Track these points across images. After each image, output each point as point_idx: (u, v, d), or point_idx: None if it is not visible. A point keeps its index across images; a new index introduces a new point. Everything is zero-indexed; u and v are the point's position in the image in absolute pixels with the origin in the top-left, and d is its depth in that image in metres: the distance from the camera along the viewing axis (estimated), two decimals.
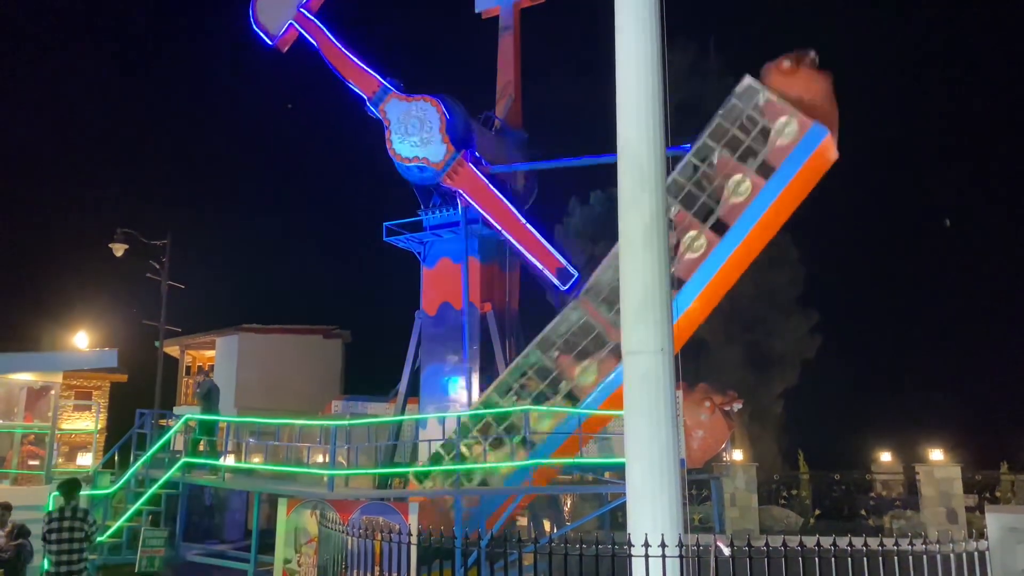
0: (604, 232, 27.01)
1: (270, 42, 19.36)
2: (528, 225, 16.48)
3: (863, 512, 17.53)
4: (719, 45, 28.38)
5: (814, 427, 31.75)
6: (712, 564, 7.00)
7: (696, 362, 24.55)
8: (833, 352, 29.17)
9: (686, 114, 26.89)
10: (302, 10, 18.68)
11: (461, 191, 16.82)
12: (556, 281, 15.83)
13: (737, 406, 15.24)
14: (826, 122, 13.98)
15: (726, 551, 7.33)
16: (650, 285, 8.24)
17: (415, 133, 17.01)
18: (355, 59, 18.03)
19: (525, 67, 20.48)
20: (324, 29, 18.50)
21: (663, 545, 7.01)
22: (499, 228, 16.74)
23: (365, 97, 17.71)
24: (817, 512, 17.81)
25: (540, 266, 16.20)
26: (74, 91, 58.09)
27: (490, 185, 16.68)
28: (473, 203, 16.77)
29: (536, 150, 19.84)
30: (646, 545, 7.05)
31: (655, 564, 6.92)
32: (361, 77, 17.84)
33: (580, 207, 28.49)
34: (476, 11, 20.96)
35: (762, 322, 26.54)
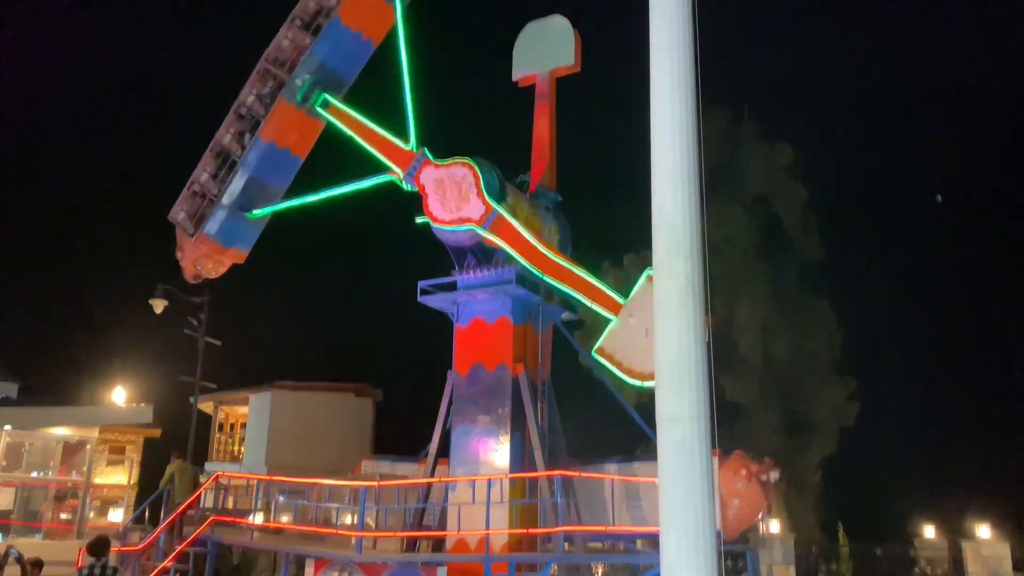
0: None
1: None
2: (574, 268, 16.45)
3: None
4: (752, 111, 28.60)
5: (854, 498, 30.79)
6: None
7: (732, 428, 24.12)
8: (873, 420, 28.47)
9: (719, 178, 27.06)
10: (331, 99, 19.15)
11: (503, 244, 16.94)
12: (612, 316, 15.78)
13: (774, 475, 14.85)
14: None
15: None
16: (685, 349, 8.18)
17: (452, 198, 17.27)
18: (389, 136, 18.41)
19: (560, 132, 20.81)
20: (354, 114, 18.93)
21: None
22: (546, 277, 16.78)
23: (400, 173, 18.04)
24: None
25: (593, 305, 16.18)
26: (116, 149, 60.18)
27: (529, 236, 16.80)
28: (515, 255, 16.86)
29: (570, 212, 20.02)
30: None
31: None
32: (395, 152, 18.22)
33: (613, 270, 28.51)
34: (513, 79, 21.44)
35: (799, 387, 26.07)
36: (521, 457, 16.72)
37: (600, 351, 15.72)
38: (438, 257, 18.84)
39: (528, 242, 16.73)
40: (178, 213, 19.40)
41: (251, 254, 20.26)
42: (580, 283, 16.31)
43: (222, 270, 20.22)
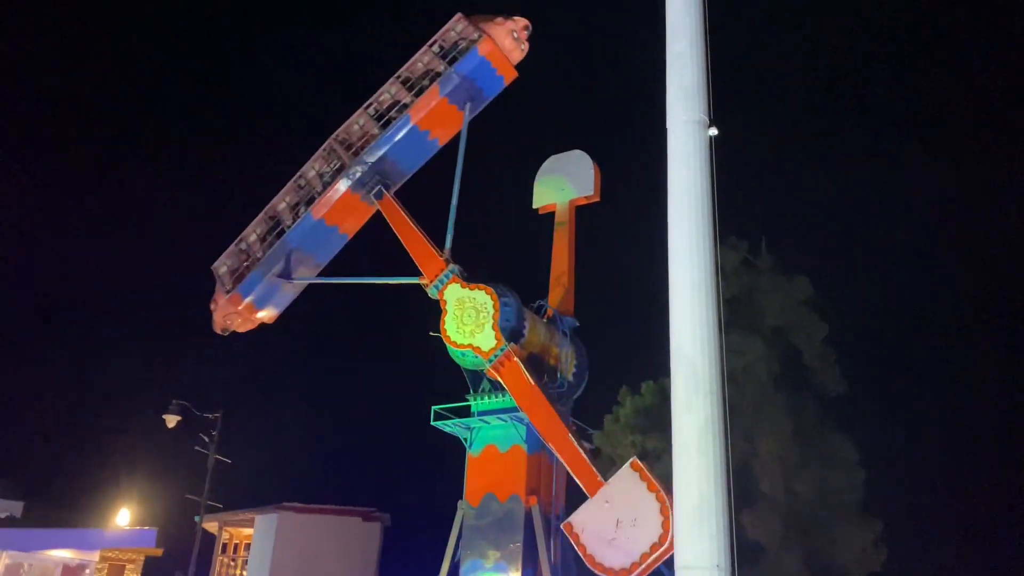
0: (656, 424, 26.46)
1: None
2: (571, 437, 16.13)
3: None
4: (770, 243, 28.93)
5: None
6: None
7: (753, 570, 23.01)
8: (901, 566, 27.11)
9: (737, 308, 27.04)
10: (386, 190, 19.65)
11: (504, 384, 16.83)
12: (588, 495, 15.33)
13: None
14: None
15: None
16: (706, 494, 7.93)
17: (469, 322, 17.36)
18: (429, 241, 18.75)
19: (578, 257, 21.13)
20: (403, 209, 19.43)
21: None
22: (535, 428, 16.53)
23: (429, 283, 18.27)
24: None
25: (575, 478, 15.76)
26: (130, 263, 61.49)
27: (535, 384, 16.62)
28: (515, 399, 16.70)
29: (587, 337, 20.02)
30: None
31: None
32: (429, 259, 18.49)
33: (631, 397, 28.13)
34: (533, 207, 22.01)
35: (823, 528, 25.01)
36: None
37: (567, 526, 15.31)
38: (454, 375, 18.76)
39: (530, 388, 16.54)
40: (221, 266, 20.00)
41: (264, 373, 20.36)
42: (568, 449, 16.00)
43: (250, 327, 20.50)
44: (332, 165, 19.93)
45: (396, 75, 19.97)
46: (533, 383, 16.55)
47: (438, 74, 19.50)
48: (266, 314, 20.27)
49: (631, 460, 15.14)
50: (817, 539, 24.80)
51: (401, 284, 19.07)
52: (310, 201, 19.70)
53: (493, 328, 16.98)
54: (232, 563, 31.02)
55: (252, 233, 20.04)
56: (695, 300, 8.63)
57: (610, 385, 28.35)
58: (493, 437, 17.52)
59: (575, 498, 18.33)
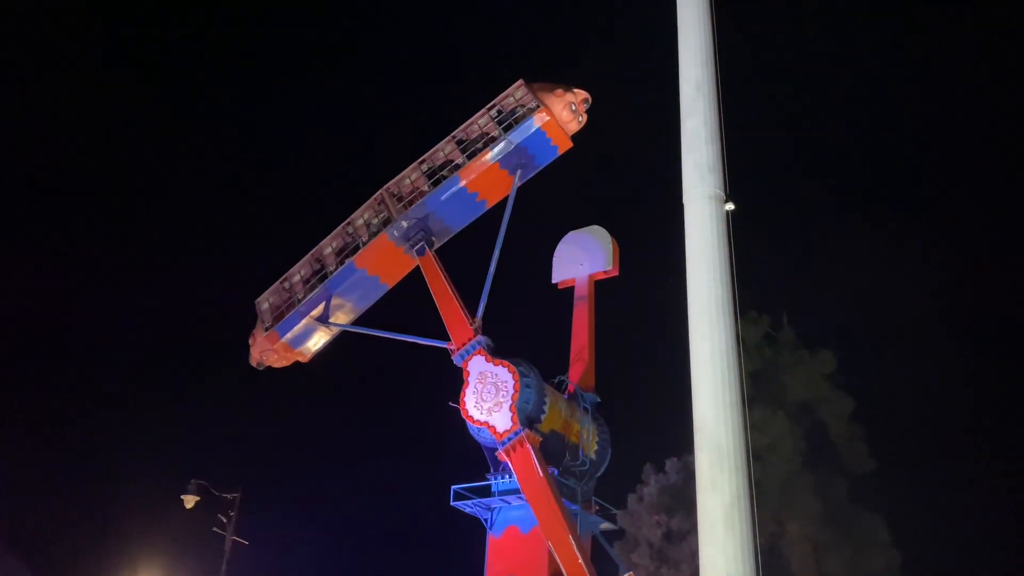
0: (681, 503, 25.81)
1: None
2: (571, 538, 15.68)
3: None
4: (792, 318, 28.74)
5: None
6: None
7: None
8: None
9: (760, 384, 26.68)
10: (428, 248, 19.87)
11: (513, 469, 16.58)
12: None
13: None
14: None
15: None
16: (735, 575, 7.68)
17: (489, 399, 17.25)
18: (462, 307, 18.80)
19: (599, 333, 21.06)
20: (442, 270, 19.52)
21: None
22: (535, 518, 16.21)
23: (454, 349, 18.30)
24: None
25: None
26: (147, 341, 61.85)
27: (543, 476, 16.29)
28: (521, 486, 16.47)
29: (609, 414, 19.79)
30: None
31: None
32: (460, 325, 18.53)
33: (655, 475, 27.57)
34: (552, 282, 22.10)
35: None
36: None
37: None
38: (472, 453, 18.51)
39: (537, 479, 16.24)
40: (264, 301, 20.30)
41: (282, 451, 20.25)
42: (566, 551, 15.59)
43: (285, 364, 20.60)
44: (380, 216, 20.18)
45: (452, 135, 20.28)
46: (542, 475, 16.23)
47: (493, 139, 19.72)
48: (300, 353, 20.48)
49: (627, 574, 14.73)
50: None
51: (429, 346, 19.10)
52: (355, 249, 19.97)
53: (511, 409, 16.87)
54: None
55: (297, 274, 20.39)
56: (717, 375, 8.56)
57: (633, 462, 27.83)
58: (515, 518, 17.18)
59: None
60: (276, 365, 20.76)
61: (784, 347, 27.81)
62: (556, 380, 19.34)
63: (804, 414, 26.29)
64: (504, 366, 17.60)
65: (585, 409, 19.09)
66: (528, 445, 16.48)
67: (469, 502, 17.55)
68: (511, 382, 17.22)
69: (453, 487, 17.76)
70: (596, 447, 18.99)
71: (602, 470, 19.05)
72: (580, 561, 15.29)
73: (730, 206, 8.93)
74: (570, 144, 20.07)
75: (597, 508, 18.16)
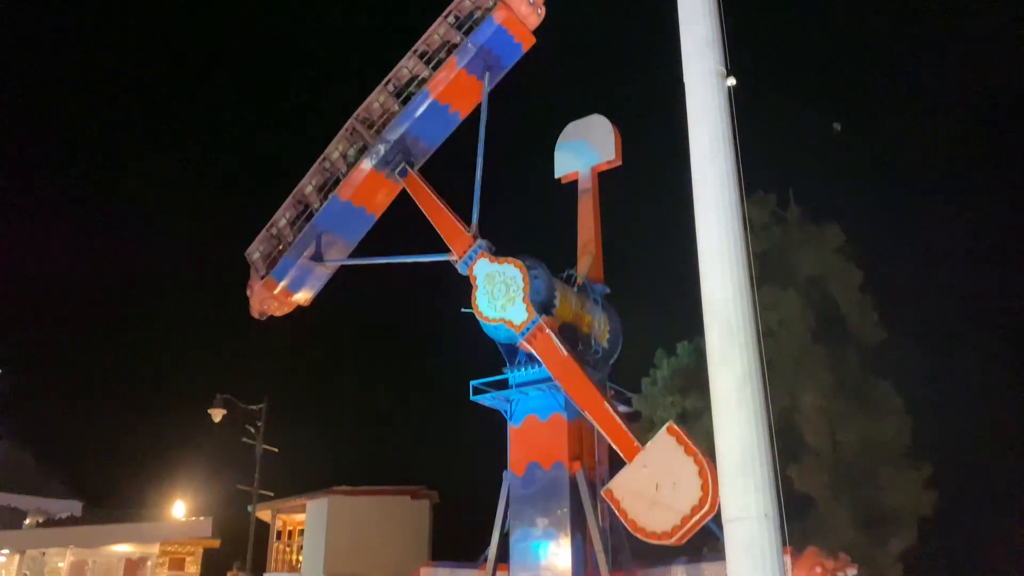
0: (694, 384, 26.38)
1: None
2: (607, 403, 16.15)
3: None
4: (798, 194, 28.52)
5: None
6: None
7: (802, 523, 22.96)
8: (954, 508, 26.86)
9: (769, 263, 26.76)
10: (410, 167, 19.63)
11: (538, 357, 16.89)
12: (626, 460, 15.37)
13: (852, 572, 14.08)
14: None
15: None
16: (748, 446, 7.92)
17: (500, 296, 17.41)
18: (456, 217, 18.78)
19: (605, 224, 21.00)
20: (428, 186, 19.43)
21: None
22: (571, 398, 16.58)
23: (457, 258, 18.33)
24: None
25: (612, 444, 15.80)
26: (172, 259, 62.50)
27: (568, 354, 16.65)
28: (549, 370, 16.76)
29: (619, 303, 19.98)
30: None
31: None
32: (457, 235, 18.52)
33: (667, 358, 28.06)
34: (556, 176, 21.89)
35: (871, 476, 24.84)
36: (583, 560, 16.17)
37: (607, 493, 15.34)
38: (490, 352, 18.86)
39: (563, 359, 16.58)
40: (254, 252, 20.18)
41: (303, 360, 20.65)
42: (604, 417, 15.99)
43: (287, 311, 20.71)
44: (355, 145, 19.94)
45: (413, 49, 19.83)
46: (566, 353, 16.60)
47: (455, 45, 19.34)
48: (301, 297, 20.50)
49: (667, 425, 15.14)
50: (866, 488, 24.65)
51: (431, 261, 19.17)
52: (336, 183, 19.78)
53: (524, 301, 17.05)
54: (288, 549, 31.68)
55: (282, 218, 20.20)
56: (724, 252, 8.57)
57: (646, 348, 28.32)
58: (533, 408, 17.62)
59: (618, 462, 18.43)
60: (278, 313, 20.77)
61: (791, 224, 27.73)
62: (565, 274, 19.42)
63: (814, 289, 26.47)
64: (510, 263, 17.69)
65: (595, 300, 19.27)
66: (547, 330, 16.78)
67: (488, 396, 17.99)
68: (519, 276, 17.35)
69: (472, 382, 18.16)
70: (608, 336, 19.27)
71: (615, 357, 19.40)
72: (617, 420, 15.82)
73: (732, 81, 8.74)
74: (532, 39, 19.66)
75: (612, 393, 18.58)
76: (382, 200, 20.37)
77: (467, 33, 19.22)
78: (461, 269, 18.21)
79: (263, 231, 20.33)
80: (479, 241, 18.15)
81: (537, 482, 16.88)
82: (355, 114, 20.05)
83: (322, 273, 20.35)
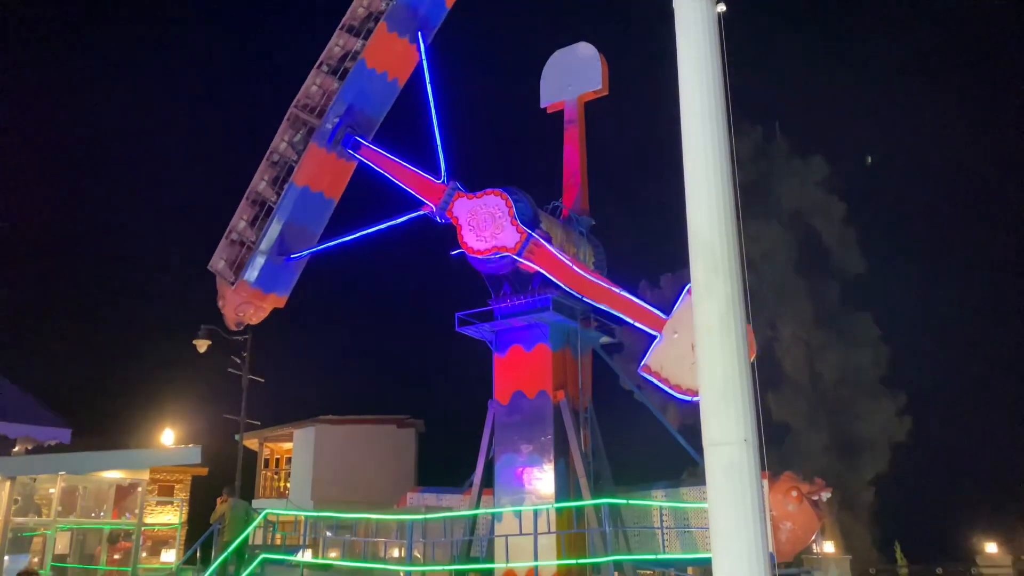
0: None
1: None
2: (613, 287, 16.42)
3: None
4: (784, 127, 28.42)
5: (910, 516, 29.90)
6: None
7: (780, 449, 23.65)
8: (926, 434, 27.71)
9: (754, 195, 26.84)
10: (362, 140, 19.51)
11: (541, 269, 16.99)
12: (657, 334, 15.66)
13: (826, 495, 14.56)
14: None
15: None
16: (730, 374, 8.08)
17: (487, 227, 17.38)
18: (421, 172, 18.68)
19: (591, 156, 20.86)
20: (385, 152, 19.27)
21: None
22: (587, 300, 16.75)
23: (433, 207, 18.25)
24: None
25: (638, 325, 16.09)
26: (160, 191, 61.75)
27: (566, 259, 16.85)
28: (554, 280, 16.93)
29: (604, 235, 20.02)
30: None
31: None
32: (428, 187, 18.44)
33: (650, 290, 28.34)
34: (541, 106, 21.60)
35: (847, 404, 25.53)
36: (567, 484, 16.60)
37: (646, 368, 15.55)
38: (474, 286, 18.96)
39: (565, 265, 16.78)
40: (218, 262, 19.61)
41: (291, 294, 20.54)
42: (621, 302, 16.23)
43: (263, 315, 20.32)
44: (301, 132, 19.66)
45: (340, 25, 19.73)
46: (565, 260, 16.83)
47: (381, 12, 19.37)
48: (274, 298, 19.98)
49: (687, 287, 15.16)
50: (842, 415, 25.38)
51: (408, 220, 18.91)
52: (290, 171, 19.41)
53: (512, 224, 17.10)
54: (275, 477, 32.28)
55: (240, 221, 19.59)
56: (711, 184, 8.57)
57: (630, 280, 28.56)
58: (518, 339, 17.78)
59: (600, 390, 18.81)
60: (255, 320, 20.28)
61: (778, 157, 27.73)
62: (550, 206, 19.36)
63: (797, 222, 26.68)
64: (489, 195, 17.67)
65: (580, 232, 19.28)
66: (542, 242, 16.91)
67: (473, 327, 18.12)
68: (502, 203, 17.36)
69: (457, 314, 18.25)
70: (592, 267, 19.34)
71: None
72: (635, 301, 16.10)
73: (721, 7, 8.61)
74: None
75: (596, 324, 18.77)
76: (338, 182, 20.12)
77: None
78: (440, 217, 18.13)
79: (223, 239, 19.68)
80: (451, 184, 18.13)
81: (522, 410, 17.18)
82: (295, 101, 19.80)
83: (292, 269, 19.90)
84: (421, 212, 18.53)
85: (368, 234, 19.45)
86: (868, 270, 27.26)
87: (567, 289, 16.86)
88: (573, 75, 21.25)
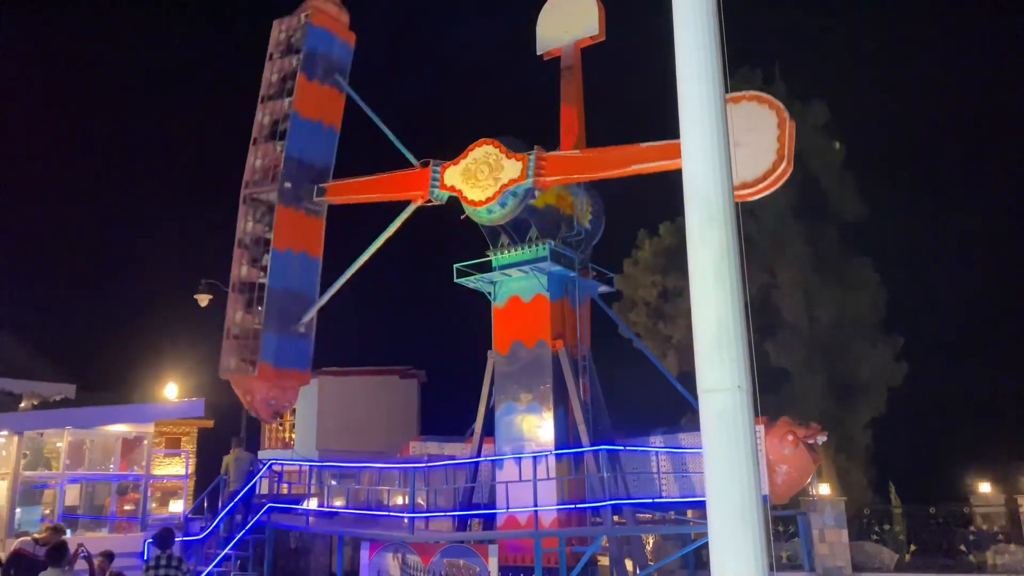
0: (674, 264, 26.75)
1: None
2: (630, 146, 16.07)
3: (962, 548, 16.61)
4: (785, 70, 28.00)
5: (906, 458, 30.36)
6: None
7: (777, 394, 23.88)
8: (922, 378, 27.98)
9: None
10: (323, 186, 19.86)
11: (560, 176, 16.96)
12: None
13: (821, 439, 14.78)
14: None
15: None
16: (724, 320, 8.13)
17: (485, 175, 17.31)
18: (397, 173, 18.76)
19: (588, 103, 20.61)
20: (349, 180, 19.60)
21: None
22: (614, 174, 16.58)
23: (426, 194, 18.12)
24: (913, 548, 16.95)
25: (675, 162, 16.09)
26: (161, 146, 61.26)
27: (575, 152, 17.20)
28: (580, 173, 17.14)
29: (601, 183, 19.91)
30: None
31: None
32: (409, 180, 18.45)
33: (649, 238, 28.31)
34: (538, 53, 21.29)
35: (845, 349, 25.69)
36: (566, 432, 16.84)
37: None
38: (473, 238, 18.93)
39: (576, 157, 16.97)
40: (229, 363, 18.89)
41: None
42: (644, 153, 15.76)
43: (294, 395, 19.98)
44: (261, 208, 19.71)
45: (260, 100, 20.22)
46: (578, 151, 17.22)
47: (294, 69, 19.79)
48: (297, 374, 19.58)
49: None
50: (839, 361, 25.55)
51: (404, 221, 18.81)
52: (266, 244, 19.29)
53: (510, 157, 17.09)
54: (280, 428, 32.74)
55: (235, 313, 19.19)
56: (706, 129, 8.50)
57: (628, 229, 28.50)
58: (516, 289, 17.83)
59: (599, 339, 18.93)
60: (289, 404, 19.98)
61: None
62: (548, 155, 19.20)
63: (796, 166, 26.42)
64: (474, 149, 17.64)
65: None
66: (543, 152, 17.10)
67: (472, 278, 18.17)
68: (492, 148, 17.38)
69: (455, 265, 18.28)
70: (590, 217, 19.31)
71: (597, 238, 19.49)
72: (653, 144, 15.84)
73: None
74: (351, 33, 20.56)
75: (594, 274, 18.82)
76: (316, 238, 20.15)
77: (298, 51, 19.86)
78: (436, 196, 18.03)
79: (224, 342, 19.07)
80: (431, 163, 18.07)
81: (521, 360, 17.33)
82: (243, 185, 19.84)
83: (305, 338, 19.69)
84: (413, 207, 18.41)
85: (371, 254, 19.19)
86: (868, 216, 27.17)
87: (597, 178, 17.15)
88: (569, 20, 20.88)
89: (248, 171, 20.01)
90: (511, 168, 16.97)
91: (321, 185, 19.77)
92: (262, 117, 20.16)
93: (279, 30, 20.67)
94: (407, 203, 18.71)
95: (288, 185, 19.15)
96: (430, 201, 18.23)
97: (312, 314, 19.79)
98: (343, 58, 20.80)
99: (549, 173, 16.89)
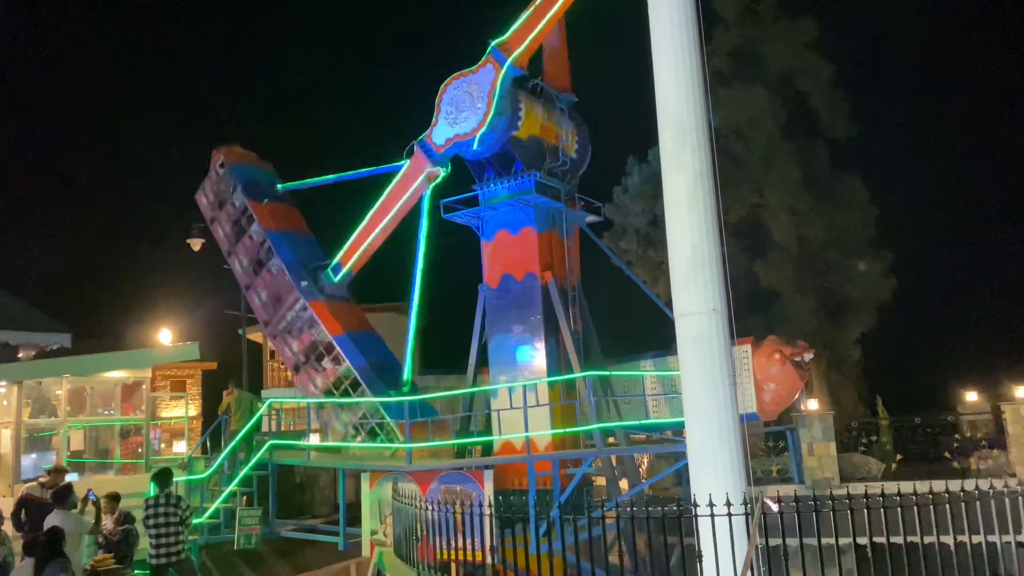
0: (663, 189, 26.61)
1: None
2: None
3: (947, 455, 17.06)
4: None
5: (895, 372, 30.90)
6: (761, 520, 7.05)
7: (767, 314, 24.12)
8: (910, 293, 28.25)
9: (739, 61, 26.17)
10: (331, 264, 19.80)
11: (540, 37, 17.37)
12: None
13: (808, 356, 15.00)
14: None
15: (774, 507, 7.37)
16: (698, 245, 8.24)
17: (466, 104, 17.14)
18: (397, 174, 18.59)
19: (571, 30, 20.21)
20: (360, 226, 19.33)
21: (728, 504, 7.06)
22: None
23: (431, 170, 17.99)
24: (899, 457, 17.42)
25: None
26: (158, 91, 60.28)
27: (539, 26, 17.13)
28: (543, 27, 17.13)
29: (587, 112, 19.73)
30: (711, 505, 7.13)
31: (720, 523, 7.02)
32: (413, 171, 18.31)
33: (638, 165, 28.14)
34: None
35: (835, 267, 25.84)
36: (557, 361, 17.10)
37: None
38: (459, 174, 18.81)
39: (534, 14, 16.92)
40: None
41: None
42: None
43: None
44: (297, 314, 19.36)
45: (226, 253, 20.94)
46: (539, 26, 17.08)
47: (244, 205, 20.06)
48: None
49: None
50: (829, 279, 25.73)
51: (407, 204, 18.66)
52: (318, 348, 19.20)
53: (480, 67, 17.07)
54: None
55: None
56: (677, 51, 8.44)
57: (615, 156, 28.30)
58: (504, 222, 17.83)
59: (589, 268, 19.03)
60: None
61: (765, 20, 26.83)
62: (530, 84, 18.94)
63: (785, 85, 26.10)
64: (445, 90, 17.48)
65: (561, 110, 18.95)
66: (505, 40, 17.10)
67: (460, 213, 18.16)
68: (456, 79, 17.37)
69: (443, 201, 18.23)
70: (576, 146, 19.17)
71: (584, 168, 19.38)
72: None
73: None
74: (268, 162, 21.22)
75: (582, 204, 18.81)
76: (356, 312, 20.33)
77: (234, 191, 20.25)
78: (437, 160, 17.81)
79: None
80: (416, 146, 18.02)
81: (511, 292, 17.47)
82: (268, 329, 20.12)
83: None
84: (428, 193, 18.04)
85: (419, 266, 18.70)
86: (859, 133, 26.95)
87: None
88: None
89: (258, 314, 20.47)
90: (486, 74, 16.89)
91: (327, 277, 19.34)
92: (236, 263, 20.65)
93: (203, 194, 21.18)
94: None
95: (305, 285, 19.08)
96: (438, 176, 18.09)
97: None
98: (273, 180, 21.02)
99: (515, 45, 16.91)
